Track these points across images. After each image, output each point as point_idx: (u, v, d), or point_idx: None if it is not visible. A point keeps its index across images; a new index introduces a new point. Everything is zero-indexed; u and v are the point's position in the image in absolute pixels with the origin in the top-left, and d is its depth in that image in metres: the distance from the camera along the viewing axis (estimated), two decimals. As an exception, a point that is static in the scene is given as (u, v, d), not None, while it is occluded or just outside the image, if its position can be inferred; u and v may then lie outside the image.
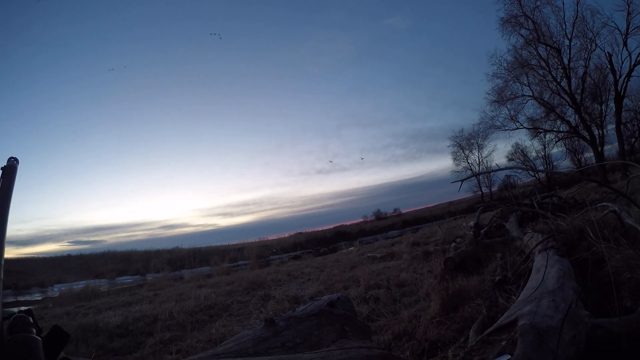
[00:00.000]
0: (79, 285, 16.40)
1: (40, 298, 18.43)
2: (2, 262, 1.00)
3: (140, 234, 69.43)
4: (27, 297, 20.77)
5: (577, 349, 2.17)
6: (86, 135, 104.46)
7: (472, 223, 10.24)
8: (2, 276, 0.98)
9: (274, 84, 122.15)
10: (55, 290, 21.50)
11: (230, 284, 11.35)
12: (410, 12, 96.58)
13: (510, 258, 6.30)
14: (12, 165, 1.21)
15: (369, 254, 13.56)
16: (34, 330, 0.98)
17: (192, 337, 6.33)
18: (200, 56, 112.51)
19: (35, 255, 38.63)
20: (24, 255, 38.00)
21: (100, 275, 29.05)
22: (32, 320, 1.02)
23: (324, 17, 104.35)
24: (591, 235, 4.45)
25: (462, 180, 6.34)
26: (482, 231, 9.07)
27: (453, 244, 9.16)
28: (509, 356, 1.86)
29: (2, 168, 1.19)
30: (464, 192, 51.12)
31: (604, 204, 5.57)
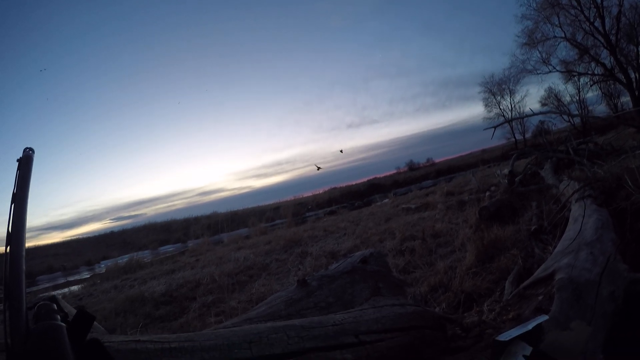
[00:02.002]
0: (123, 259, 16.89)
1: (88, 275, 18.89)
2: (24, 252, 1.01)
3: (178, 203, 70.72)
4: (76, 277, 21.34)
5: (615, 304, 2.14)
6: (116, 113, 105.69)
7: (506, 171, 10.09)
8: (24, 266, 0.99)
9: (297, 42, 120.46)
10: (102, 267, 22.06)
11: (268, 244, 11.51)
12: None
13: (546, 207, 6.21)
14: (27, 156, 1.21)
15: (404, 206, 13.55)
16: (59, 317, 0.99)
17: (233, 298, 6.51)
18: (223, 19, 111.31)
19: (81, 237, 40.02)
20: (69, 238, 39.36)
21: (143, 247, 30.03)
22: (56, 307, 1.03)
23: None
24: (630, 184, 4.33)
25: (494, 127, 6.21)
26: (516, 179, 8.96)
27: (487, 193, 9.10)
28: (546, 317, 1.84)
29: (18, 160, 1.19)
30: (497, 140, 50.13)
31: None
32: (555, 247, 3.59)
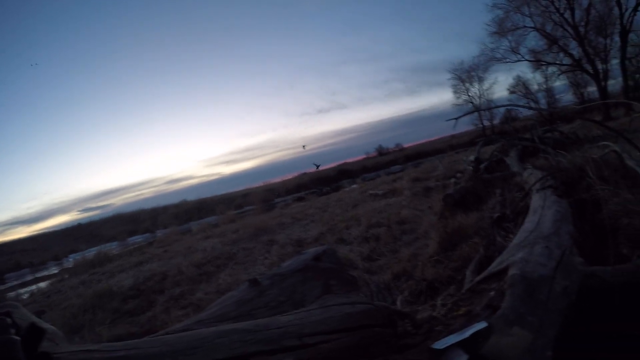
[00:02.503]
0: (91, 253, 16.82)
1: (56, 271, 18.86)
2: None
3: (147, 192, 70.57)
4: (45, 273, 21.28)
5: (569, 300, 2.13)
6: (80, 100, 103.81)
7: (472, 158, 10.15)
8: None
9: (268, 25, 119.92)
10: (70, 261, 22.05)
11: (236, 232, 11.66)
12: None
13: (509, 195, 6.26)
14: None
15: (371, 192, 13.64)
16: (13, 331, 1.03)
17: (200, 290, 6.58)
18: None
19: (48, 230, 39.75)
20: (36, 232, 38.94)
21: (111, 239, 29.81)
22: (11, 321, 1.07)
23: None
24: (591, 175, 4.36)
25: (456, 119, 6.20)
26: (482, 166, 9.01)
27: (453, 180, 9.13)
28: (485, 324, 1.81)
29: None
30: (465, 125, 50.71)
31: (605, 143, 5.42)
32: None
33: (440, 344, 1.74)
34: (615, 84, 30.48)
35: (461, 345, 1.71)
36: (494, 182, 7.63)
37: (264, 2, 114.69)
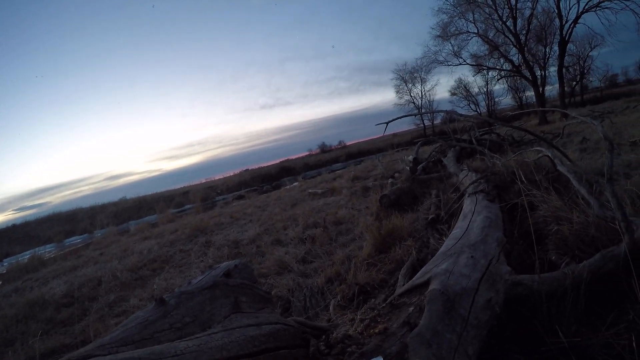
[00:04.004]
0: (25, 256, 16.03)
1: None
2: None
3: (85, 189, 68.50)
4: None
5: (492, 312, 2.08)
6: (13, 93, 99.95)
7: (410, 158, 10.20)
8: None
9: (213, 19, 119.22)
10: (4, 266, 20.82)
11: (174, 232, 11.48)
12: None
13: (444, 196, 6.31)
14: None
15: (310, 190, 13.61)
16: None
17: (135, 295, 6.36)
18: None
19: None
20: None
21: (47, 240, 28.07)
22: None
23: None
24: (523, 178, 4.39)
25: (386, 123, 6.18)
26: (419, 167, 9.07)
27: (390, 180, 9.13)
28: (381, 358, 1.72)
29: None
30: (407, 125, 51.91)
31: (538, 148, 5.50)
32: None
33: None
34: (552, 89, 31.86)
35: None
36: (430, 183, 7.71)
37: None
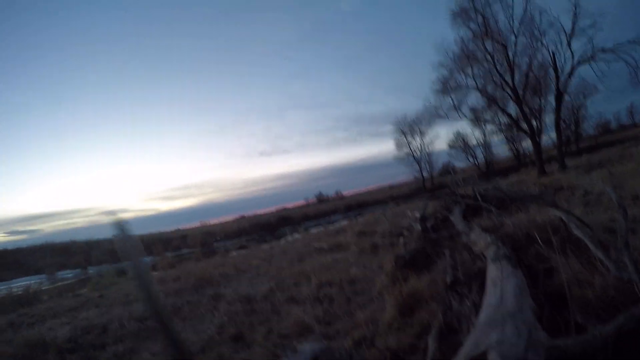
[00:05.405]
0: (18, 284, 15.91)
1: None
2: None
3: (79, 222, 67.36)
4: None
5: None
6: (11, 114, 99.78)
7: (417, 215, 10.38)
8: None
9: (217, 67, 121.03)
10: None
11: (177, 280, 11.30)
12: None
13: (459, 256, 6.40)
14: None
15: (316, 245, 13.62)
16: None
17: (146, 348, 6.18)
18: (142, 35, 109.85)
19: None
20: None
21: (39, 270, 27.76)
22: None
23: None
24: (540, 242, 4.56)
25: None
26: (428, 225, 9.22)
27: (402, 239, 9.27)
28: None
29: None
30: (405, 176, 52.30)
31: (551, 209, 5.68)
32: (474, 305, 3.70)
33: None
34: (547, 139, 32.49)
35: None
36: (441, 242, 7.81)
37: (213, 42, 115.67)
